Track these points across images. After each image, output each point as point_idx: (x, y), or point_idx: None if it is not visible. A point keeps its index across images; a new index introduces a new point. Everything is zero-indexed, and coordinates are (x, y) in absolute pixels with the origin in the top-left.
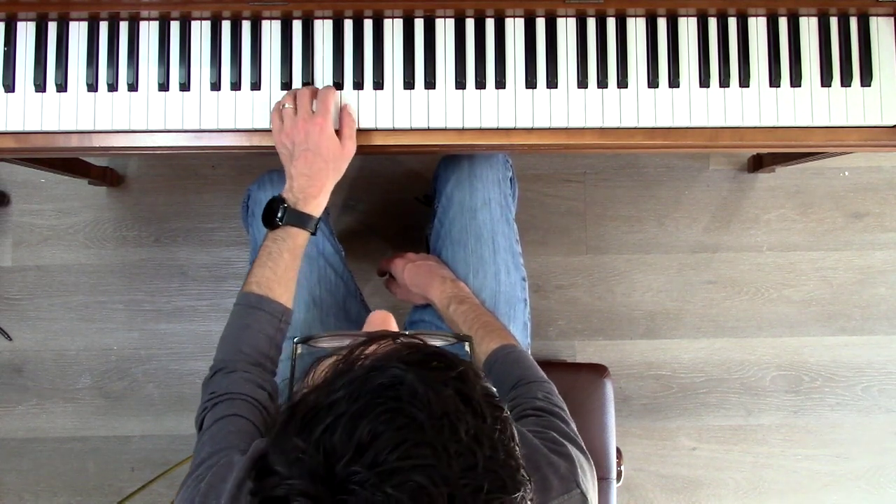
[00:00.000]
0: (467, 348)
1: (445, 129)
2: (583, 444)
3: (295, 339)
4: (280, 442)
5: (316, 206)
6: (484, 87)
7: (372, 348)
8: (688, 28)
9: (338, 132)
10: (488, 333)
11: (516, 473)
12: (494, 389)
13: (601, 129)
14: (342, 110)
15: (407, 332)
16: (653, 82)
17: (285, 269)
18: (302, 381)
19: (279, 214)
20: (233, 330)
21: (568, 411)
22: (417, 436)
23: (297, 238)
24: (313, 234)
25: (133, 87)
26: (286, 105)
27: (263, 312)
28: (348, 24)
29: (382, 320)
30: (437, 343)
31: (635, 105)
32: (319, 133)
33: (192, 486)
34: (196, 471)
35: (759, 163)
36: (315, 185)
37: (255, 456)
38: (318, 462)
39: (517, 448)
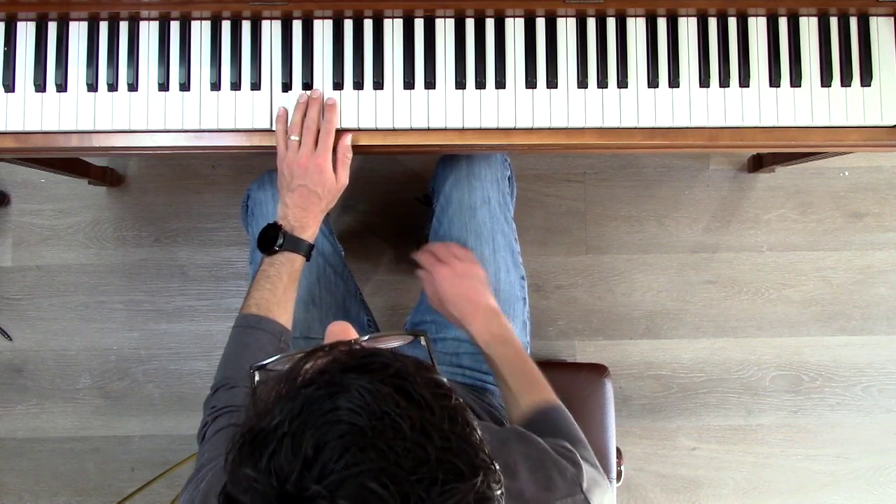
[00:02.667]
0: (423, 342)
1: (445, 129)
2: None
3: (250, 367)
4: (235, 472)
5: (310, 235)
6: (484, 87)
7: (311, 363)
8: (688, 28)
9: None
10: (532, 386)
11: (474, 459)
12: (445, 379)
13: (601, 129)
14: (339, 142)
15: (355, 339)
16: (653, 82)
17: (284, 292)
18: (252, 406)
19: (280, 241)
20: (233, 349)
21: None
22: (360, 440)
23: (294, 262)
24: (307, 259)
25: (133, 87)
26: (292, 137)
27: (263, 332)
28: (348, 24)
29: (341, 331)
30: (395, 343)
31: (635, 105)
32: (319, 173)
33: (193, 488)
34: (197, 475)
35: (759, 163)
36: (308, 217)
37: (222, 488)
38: (270, 486)
39: (475, 433)
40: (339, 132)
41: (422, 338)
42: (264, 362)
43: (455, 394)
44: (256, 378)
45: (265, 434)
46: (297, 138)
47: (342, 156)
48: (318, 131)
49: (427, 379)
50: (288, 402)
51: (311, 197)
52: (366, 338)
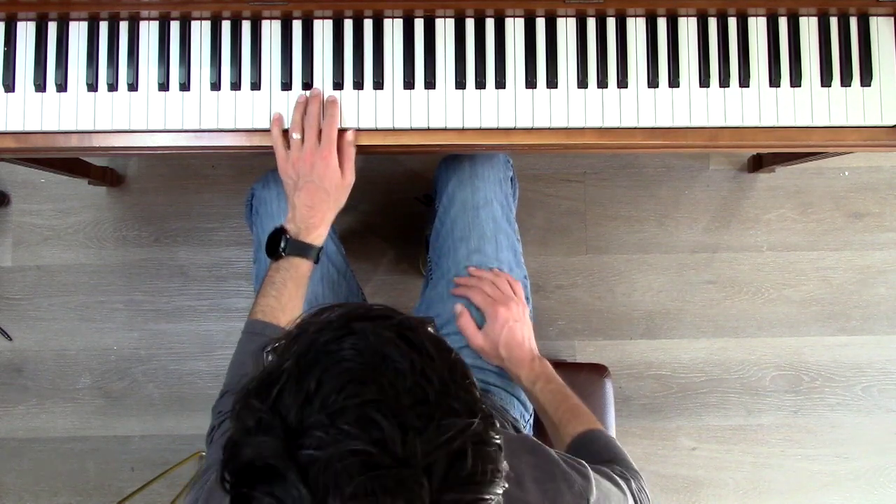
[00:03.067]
0: (430, 329)
1: (445, 129)
2: None
3: (266, 349)
4: (241, 414)
5: (318, 237)
6: (484, 87)
7: (321, 317)
8: (688, 28)
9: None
10: (575, 416)
11: (473, 405)
12: (446, 340)
13: (601, 129)
14: (341, 139)
15: (354, 303)
16: (653, 82)
17: (289, 298)
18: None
19: (282, 245)
20: (240, 356)
21: None
22: (362, 375)
23: (301, 267)
24: (315, 262)
25: (133, 86)
26: (294, 135)
27: (268, 339)
28: (348, 24)
29: None
30: None
31: (635, 105)
32: (325, 166)
33: (199, 488)
34: (203, 475)
35: (759, 163)
36: (317, 215)
37: (224, 443)
38: (274, 421)
39: (474, 388)
40: (341, 131)
41: (430, 327)
42: (276, 344)
43: (455, 351)
44: (269, 360)
45: (274, 376)
46: (298, 136)
47: (346, 152)
48: (320, 127)
49: (429, 333)
50: (296, 349)
51: (318, 193)
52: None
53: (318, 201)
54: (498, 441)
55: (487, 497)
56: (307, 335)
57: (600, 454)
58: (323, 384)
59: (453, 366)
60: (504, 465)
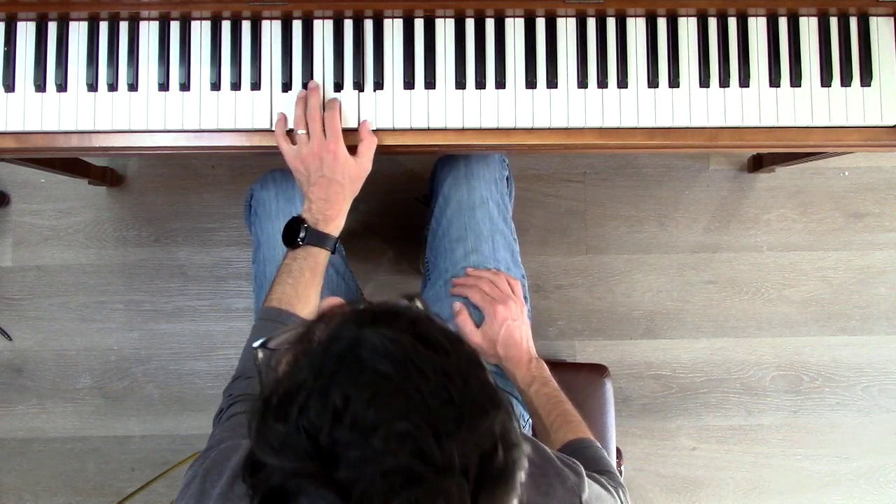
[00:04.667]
0: (419, 304)
1: (445, 129)
2: None
3: (254, 345)
4: (262, 435)
5: (335, 227)
6: (484, 87)
7: (321, 327)
8: (688, 28)
9: (353, 149)
10: (567, 423)
11: (494, 395)
12: (450, 326)
13: (601, 129)
14: (361, 127)
15: (350, 301)
16: (653, 82)
17: (305, 287)
18: (267, 377)
19: (301, 235)
20: (252, 342)
21: None
22: (387, 386)
23: (318, 257)
24: (333, 252)
25: (133, 86)
26: (300, 131)
27: (283, 325)
28: (348, 24)
29: (334, 305)
30: None
31: (635, 105)
32: (333, 160)
33: (198, 465)
34: (204, 454)
35: (759, 163)
36: (333, 207)
37: (244, 456)
38: (302, 441)
39: (488, 374)
40: (346, 131)
41: (417, 300)
42: (264, 339)
43: (465, 340)
44: (259, 356)
45: (290, 395)
46: (303, 131)
47: (367, 140)
48: (323, 120)
49: (439, 326)
50: (308, 361)
51: (332, 186)
52: (361, 306)
53: (332, 193)
54: (517, 425)
55: (516, 483)
56: (316, 346)
57: (588, 464)
58: (349, 399)
59: (469, 357)
60: (526, 447)
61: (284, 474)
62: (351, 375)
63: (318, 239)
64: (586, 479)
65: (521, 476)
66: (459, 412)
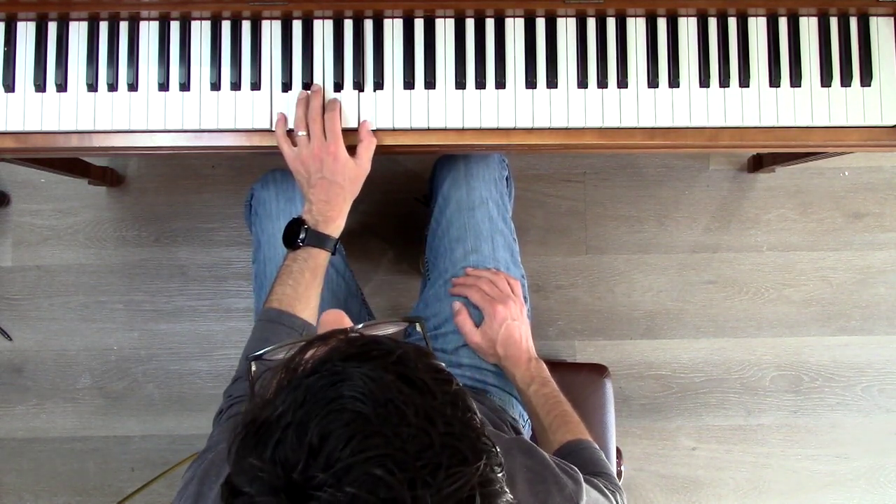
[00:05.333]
0: (419, 329)
1: (445, 129)
2: None
3: (247, 358)
4: (239, 463)
5: (336, 228)
6: (484, 87)
7: (311, 353)
8: (688, 28)
9: (353, 150)
10: (565, 423)
11: (477, 443)
12: (443, 365)
13: (601, 129)
14: (361, 128)
15: (351, 328)
16: (653, 82)
17: (306, 288)
18: (252, 397)
19: (301, 236)
20: (253, 343)
21: None
22: (366, 427)
23: (318, 258)
24: (333, 253)
25: (133, 86)
26: (300, 133)
27: (283, 327)
28: (348, 24)
29: (335, 320)
30: (391, 330)
31: (635, 105)
32: (333, 161)
33: (196, 467)
34: (203, 455)
35: (759, 163)
36: (333, 208)
37: (225, 478)
38: (276, 476)
39: (476, 418)
40: (346, 131)
41: (417, 325)
42: (260, 352)
43: (455, 380)
44: (253, 368)
45: (269, 424)
46: (304, 133)
47: (365, 140)
48: (323, 122)
49: (428, 365)
50: (290, 393)
51: (332, 188)
52: (360, 325)
53: (332, 195)
54: (501, 474)
55: None
56: (299, 377)
57: (585, 466)
58: (326, 438)
59: (455, 400)
60: (508, 496)
61: None
62: (330, 413)
63: (319, 240)
64: (584, 485)
65: None
66: (437, 459)
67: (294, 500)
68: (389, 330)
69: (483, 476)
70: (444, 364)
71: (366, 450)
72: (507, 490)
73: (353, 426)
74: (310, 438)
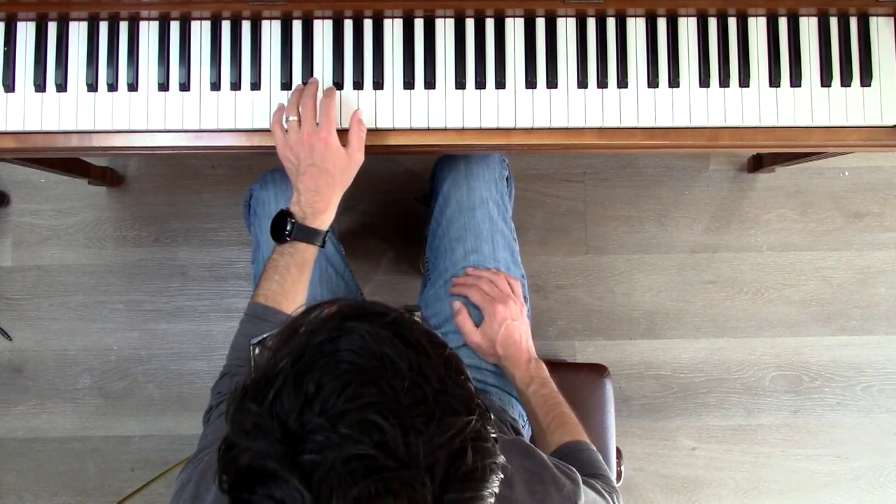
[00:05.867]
0: (418, 318)
1: (445, 129)
2: None
3: (252, 341)
4: (237, 417)
5: (324, 221)
6: (484, 87)
7: (312, 315)
8: (688, 28)
9: (344, 139)
10: (563, 425)
11: (469, 401)
12: (438, 333)
13: (601, 129)
14: (352, 118)
15: (346, 299)
16: (653, 82)
17: (292, 284)
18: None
19: (287, 229)
20: (240, 338)
21: None
22: (361, 377)
23: (306, 252)
24: (321, 247)
25: (133, 86)
26: (291, 118)
27: (268, 323)
28: (348, 24)
29: None
30: None
31: (635, 105)
32: (325, 147)
33: (191, 469)
34: (197, 456)
35: (759, 163)
36: (323, 199)
37: (220, 442)
38: (273, 424)
39: (469, 383)
40: (344, 131)
41: (416, 314)
42: (263, 336)
43: (449, 346)
44: (256, 352)
45: (269, 378)
46: (295, 118)
47: (355, 128)
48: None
49: (423, 329)
50: (290, 349)
51: (322, 176)
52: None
53: (322, 185)
54: (494, 435)
55: (486, 491)
56: (300, 335)
57: (583, 467)
58: (322, 387)
59: (448, 361)
60: (500, 457)
61: (253, 455)
62: (327, 365)
63: (306, 234)
64: (582, 486)
65: (494, 482)
66: (430, 411)
67: (291, 446)
68: None
69: (475, 431)
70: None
71: (360, 397)
72: (500, 454)
73: (349, 376)
74: (306, 387)
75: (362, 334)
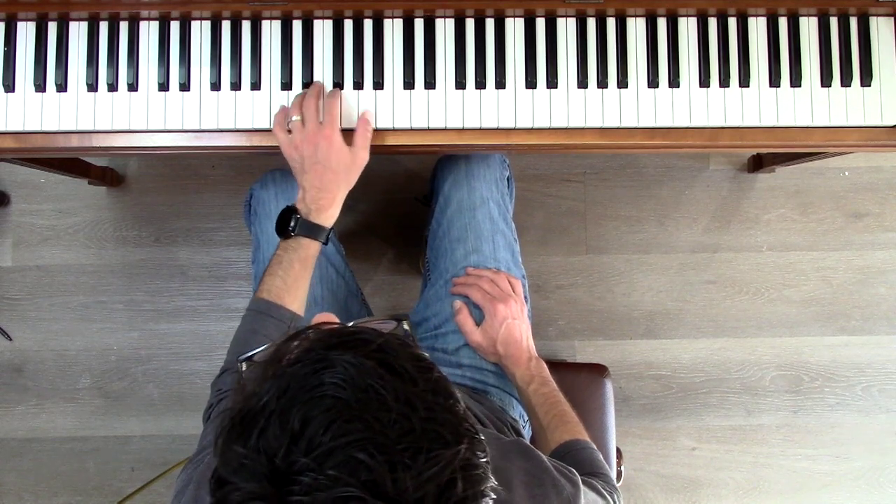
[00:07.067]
0: (406, 326)
1: (445, 129)
2: None
3: (239, 358)
4: (224, 453)
5: (328, 218)
6: (484, 87)
7: (295, 344)
8: (688, 28)
9: (350, 139)
10: (563, 423)
11: (458, 427)
12: (426, 354)
13: (601, 129)
14: (360, 117)
15: (336, 323)
16: (653, 82)
17: (295, 279)
18: (240, 391)
19: (292, 225)
20: (241, 334)
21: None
22: (346, 413)
23: (309, 248)
24: (325, 244)
25: (133, 87)
26: (294, 117)
27: (272, 318)
28: (348, 24)
29: (325, 321)
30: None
31: (635, 105)
32: (328, 146)
33: (192, 469)
34: (197, 456)
35: (759, 163)
36: (326, 196)
37: (212, 471)
38: (259, 463)
39: (458, 405)
40: (346, 131)
41: (404, 322)
42: (251, 353)
43: (436, 368)
44: (244, 368)
45: (253, 414)
46: (298, 118)
47: (362, 129)
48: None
49: (409, 353)
50: (274, 382)
51: (326, 174)
52: (350, 324)
53: (326, 182)
54: (485, 460)
55: None
56: (283, 367)
57: (583, 466)
58: (307, 423)
59: (436, 386)
60: (492, 481)
61: (243, 496)
62: (312, 399)
63: (310, 230)
64: (582, 486)
65: None
66: (418, 443)
67: (277, 486)
68: (374, 326)
69: (465, 460)
70: (427, 353)
71: (346, 434)
72: (492, 476)
73: (334, 412)
74: (291, 425)
75: (346, 366)
